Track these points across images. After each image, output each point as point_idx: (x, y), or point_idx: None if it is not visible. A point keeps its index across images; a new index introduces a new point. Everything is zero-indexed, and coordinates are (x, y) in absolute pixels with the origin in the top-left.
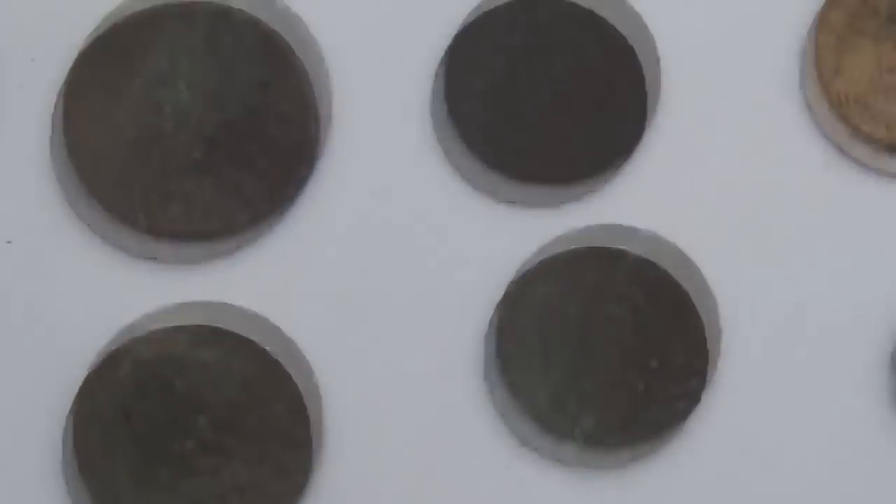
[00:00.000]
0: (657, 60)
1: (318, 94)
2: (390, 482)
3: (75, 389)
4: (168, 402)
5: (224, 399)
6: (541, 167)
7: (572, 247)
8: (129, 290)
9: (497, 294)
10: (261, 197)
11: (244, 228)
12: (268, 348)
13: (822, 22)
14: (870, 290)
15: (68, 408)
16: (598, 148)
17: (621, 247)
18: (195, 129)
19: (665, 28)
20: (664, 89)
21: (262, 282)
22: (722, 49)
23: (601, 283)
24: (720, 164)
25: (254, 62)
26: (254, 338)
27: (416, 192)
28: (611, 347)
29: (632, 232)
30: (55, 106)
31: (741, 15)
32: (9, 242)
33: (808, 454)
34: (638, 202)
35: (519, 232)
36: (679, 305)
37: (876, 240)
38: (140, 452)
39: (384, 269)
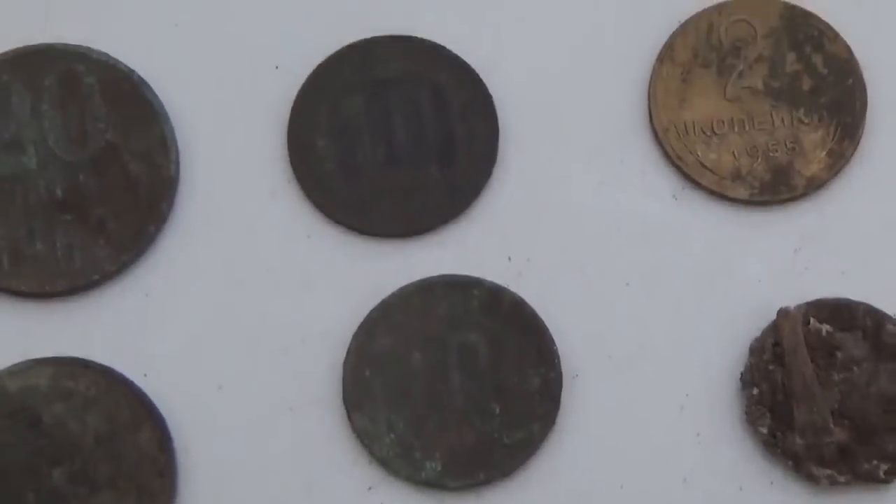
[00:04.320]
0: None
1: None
2: None
3: None
4: (35, 433)
5: (90, 430)
6: (382, 221)
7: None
8: None
9: (347, 340)
10: (122, 236)
11: (105, 267)
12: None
13: (667, 54)
14: (720, 314)
15: None
16: (440, 199)
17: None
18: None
19: (504, 78)
20: (509, 130)
21: (119, 324)
22: (569, 86)
23: (454, 315)
24: (567, 206)
25: (113, 101)
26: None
27: (265, 237)
28: (458, 388)
29: (476, 282)
30: None
31: (586, 51)
32: None
33: (662, 475)
34: (482, 251)
35: (367, 281)
36: (533, 331)
37: (724, 266)
38: (5, 483)
39: (239, 308)
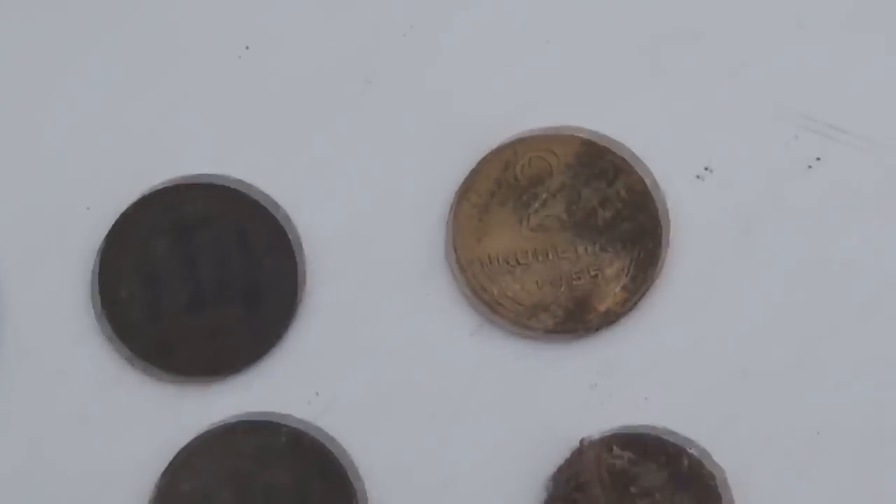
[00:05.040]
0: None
1: None
2: None
3: None
4: None
5: None
6: (188, 363)
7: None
8: None
9: (153, 483)
10: None
11: None
12: None
13: (466, 190)
14: (521, 446)
15: None
16: (245, 340)
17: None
18: None
19: (308, 217)
20: (310, 274)
21: None
22: (372, 224)
23: (259, 456)
24: (372, 342)
25: None
26: None
27: (74, 380)
28: None
29: (281, 421)
30: None
31: (388, 188)
32: None
33: None
34: (287, 390)
35: (173, 424)
36: (337, 469)
37: (526, 398)
38: None
39: (42, 455)
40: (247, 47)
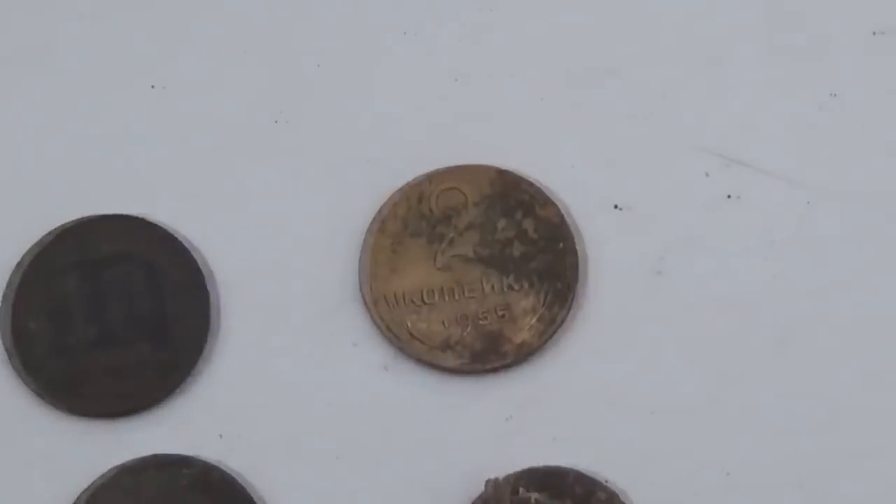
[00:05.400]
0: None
1: None
2: None
3: None
4: None
5: None
6: (94, 401)
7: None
8: None
9: None
10: None
11: None
12: None
13: (378, 224)
14: (431, 484)
15: None
16: (152, 378)
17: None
18: None
19: (218, 254)
20: (220, 312)
21: None
22: (282, 260)
23: (165, 496)
24: (283, 379)
25: None
26: None
27: None
28: None
29: (186, 461)
30: None
31: (299, 224)
32: None
33: None
34: (196, 429)
35: (79, 463)
36: None
37: (436, 436)
38: None
39: None
40: (152, 86)
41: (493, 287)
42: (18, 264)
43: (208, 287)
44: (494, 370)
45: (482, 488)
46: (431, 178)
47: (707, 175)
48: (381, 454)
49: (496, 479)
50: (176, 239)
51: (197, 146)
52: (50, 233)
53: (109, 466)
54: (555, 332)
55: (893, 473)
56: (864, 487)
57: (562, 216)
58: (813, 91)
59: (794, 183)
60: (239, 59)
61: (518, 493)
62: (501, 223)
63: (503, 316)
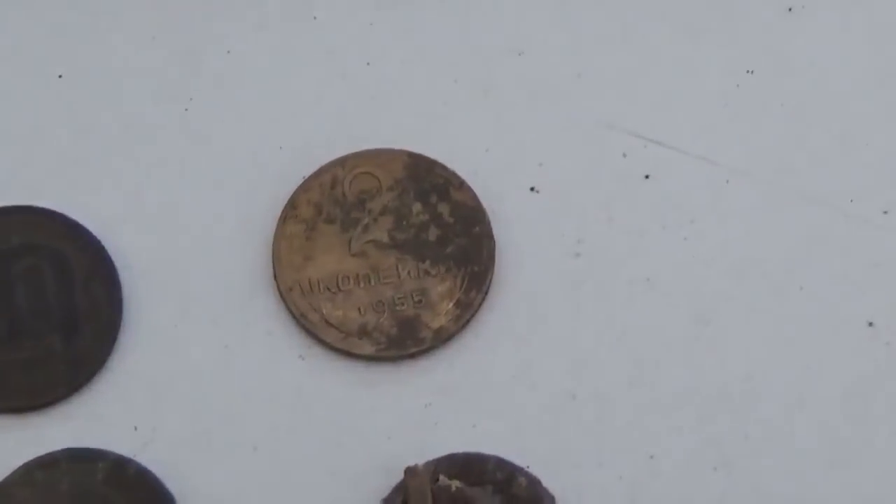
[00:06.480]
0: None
1: None
2: None
3: None
4: None
5: None
6: (3, 395)
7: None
8: None
9: None
10: None
11: None
12: None
13: (291, 211)
14: (350, 473)
15: None
16: (63, 371)
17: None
18: None
19: (128, 244)
20: (131, 302)
21: None
22: (193, 250)
23: (79, 490)
24: (197, 370)
25: None
26: None
27: None
28: None
29: (100, 454)
30: None
31: (209, 213)
32: None
33: None
34: (108, 422)
35: None
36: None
37: (353, 424)
38: None
39: None
40: (60, 76)
41: (409, 272)
42: None
43: (119, 278)
44: (412, 356)
45: (402, 476)
46: (344, 162)
47: (624, 156)
48: (298, 444)
49: (416, 467)
50: (86, 229)
51: (106, 135)
52: None
53: (21, 462)
54: (472, 317)
55: (813, 451)
56: (785, 466)
57: (477, 199)
58: (729, 69)
59: (711, 162)
60: (147, 46)
61: (438, 480)
62: (416, 207)
63: (420, 301)
